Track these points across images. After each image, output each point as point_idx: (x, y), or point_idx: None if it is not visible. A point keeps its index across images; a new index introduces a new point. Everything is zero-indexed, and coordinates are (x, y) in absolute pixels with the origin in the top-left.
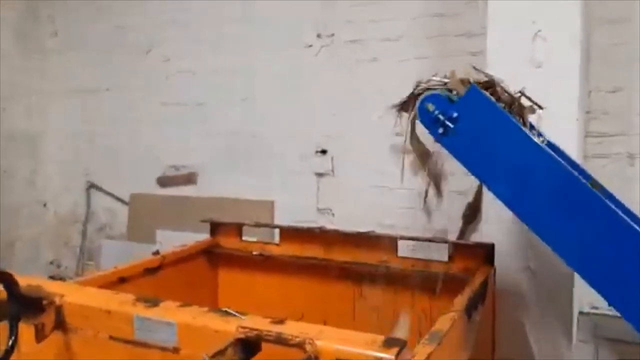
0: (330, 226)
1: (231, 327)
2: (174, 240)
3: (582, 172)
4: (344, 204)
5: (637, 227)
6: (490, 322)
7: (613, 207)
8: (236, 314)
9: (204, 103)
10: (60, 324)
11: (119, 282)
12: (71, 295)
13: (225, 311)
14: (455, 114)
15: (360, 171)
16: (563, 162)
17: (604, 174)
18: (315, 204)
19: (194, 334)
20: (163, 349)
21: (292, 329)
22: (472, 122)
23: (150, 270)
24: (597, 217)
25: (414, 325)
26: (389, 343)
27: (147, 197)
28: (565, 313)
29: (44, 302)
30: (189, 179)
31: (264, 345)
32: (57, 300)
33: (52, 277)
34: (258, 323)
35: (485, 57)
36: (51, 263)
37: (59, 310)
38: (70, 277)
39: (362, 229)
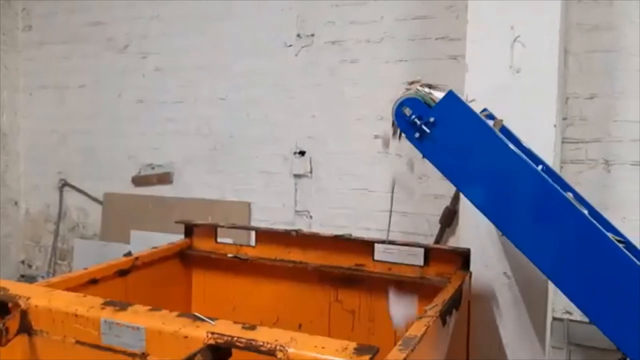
0: (307, 228)
1: (201, 333)
2: (148, 241)
3: (558, 179)
4: (321, 206)
5: (610, 235)
6: (465, 327)
7: (587, 215)
8: (207, 319)
9: (181, 102)
10: (26, 328)
11: (90, 283)
12: (37, 298)
13: (196, 316)
14: (432, 119)
15: (339, 173)
16: (539, 169)
17: (580, 179)
18: (293, 206)
19: (163, 340)
20: (130, 354)
21: (263, 335)
22: (448, 128)
23: (122, 272)
24: (571, 225)
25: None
26: (360, 350)
27: (121, 196)
28: (539, 319)
29: (9, 305)
30: (165, 178)
31: (235, 351)
32: (23, 304)
33: (23, 277)
34: (229, 329)
35: (465, 61)
36: (22, 263)
37: (24, 314)
38: (42, 277)
39: (340, 231)
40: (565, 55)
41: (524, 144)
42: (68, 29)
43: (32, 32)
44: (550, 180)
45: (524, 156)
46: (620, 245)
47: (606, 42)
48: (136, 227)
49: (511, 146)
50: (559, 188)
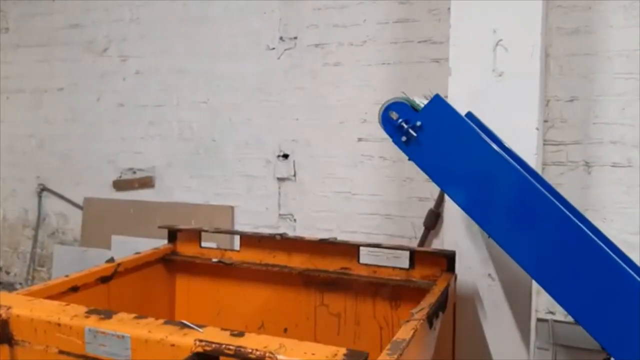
0: (291, 232)
1: (189, 341)
2: (130, 246)
3: (541, 180)
4: (305, 210)
5: (592, 235)
6: (450, 329)
7: (570, 215)
8: (194, 326)
9: (162, 105)
10: (7, 338)
11: (71, 291)
12: (18, 307)
13: (183, 324)
14: (418, 123)
15: (323, 176)
16: (522, 170)
17: (561, 181)
18: (277, 210)
19: (149, 348)
20: None
21: (252, 342)
22: (435, 131)
23: (105, 279)
24: (554, 225)
25: (376, 333)
26: (350, 356)
27: (102, 201)
28: (523, 319)
29: None
30: (146, 183)
31: (223, 358)
32: (4, 313)
33: (0, 284)
34: (217, 336)
35: (448, 64)
36: (0, 269)
37: (5, 324)
38: (21, 284)
39: (324, 234)
40: (546, 59)
41: (507, 146)
42: (46, 31)
43: (9, 34)
44: (534, 181)
45: (508, 158)
46: (603, 245)
47: (585, 45)
48: (117, 233)
49: (496, 148)
50: (542, 189)
